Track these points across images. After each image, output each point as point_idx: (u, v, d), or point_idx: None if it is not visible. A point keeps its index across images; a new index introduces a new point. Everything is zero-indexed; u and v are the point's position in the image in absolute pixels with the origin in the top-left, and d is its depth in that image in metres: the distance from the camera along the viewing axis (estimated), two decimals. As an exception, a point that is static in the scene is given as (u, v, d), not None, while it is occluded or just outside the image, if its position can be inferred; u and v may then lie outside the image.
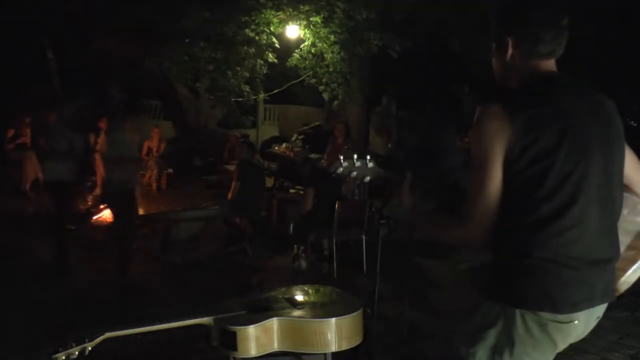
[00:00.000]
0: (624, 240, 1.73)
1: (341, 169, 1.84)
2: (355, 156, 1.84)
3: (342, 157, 1.84)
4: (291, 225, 6.05)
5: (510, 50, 1.68)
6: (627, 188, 1.74)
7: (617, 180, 1.65)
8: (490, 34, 1.76)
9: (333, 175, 1.88)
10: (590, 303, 1.59)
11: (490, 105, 1.59)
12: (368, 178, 1.87)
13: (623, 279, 1.75)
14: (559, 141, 1.54)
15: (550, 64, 1.68)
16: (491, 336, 1.61)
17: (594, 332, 1.71)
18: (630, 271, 1.74)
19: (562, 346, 1.64)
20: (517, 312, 1.56)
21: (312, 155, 10.59)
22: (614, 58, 9.68)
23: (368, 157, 1.86)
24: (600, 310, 1.64)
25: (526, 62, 1.67)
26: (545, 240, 1.53)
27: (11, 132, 9.30)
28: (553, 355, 1.68)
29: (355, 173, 1.85)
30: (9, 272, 5.16)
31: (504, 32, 1.69)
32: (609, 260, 1.63)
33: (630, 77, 9.87)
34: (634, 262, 1.75)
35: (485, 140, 1.57)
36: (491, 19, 1.76)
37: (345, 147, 7.68)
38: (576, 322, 1.58)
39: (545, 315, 1.55)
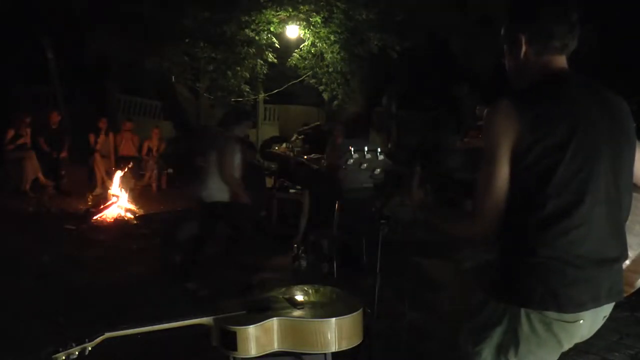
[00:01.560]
0: (634, 241, 1.71)
1: (351, 161, 1.84)
2: (366, 148, 1.84)
3: (352, 149, 1.84)
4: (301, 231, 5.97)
5: (523, 48, 1.68)
6: (637, 188, 1.72)
7: (626, 181, 1.65)
8: (501, 36, 1.76)
9: (344, 167, 1.87)
10: (597, 303, 1.58)
11: (500, 101, 1.60)
12: (378, 170, 1.87)
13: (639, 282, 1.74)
14: (567, 139, 1.53)
15: (562, 61, 1.69)
16: (496, 335, 1.61)
17: (594, 332, 1.71)
18: None
19: (567, 346, 1.64)
20: (522, 311, 1.56)
21: (313, 155, 10.59)
22: (614, 57, 9.68)
23: (378, 149, 1.86)
24: (606, 309, 1.64)
25: (539, 58, 1.67)
26: (552, 239, 1.53)
27: (11, 132, 9.30)
28: (558, 355, 1.68)
29: (365, 165, 1.86)
30: (9, 272, 5.16)
31: (517, 29, 1.69)
32: (616, 260, 1.62)
33: (630, 76, 9.86)
34: None
35: (494, 135, 1.58)
36: (503, 20, 1.76)
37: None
38: (581, 321, 1.57)
39: (551, 314, 1.55)
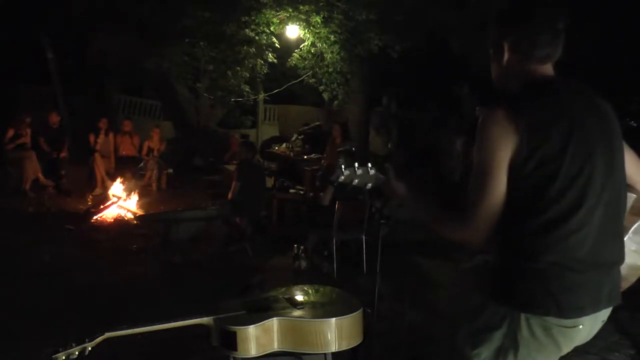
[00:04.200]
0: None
1: (342, 177, 1.83)
2: (357, 164, 1.82)
3: (343, 166, 1.82)
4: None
5: (506, 55, 1.68)
6: (629, 187, 1.73)
7: (621, 182, 1.65)
8: (487, 38, 1.77)
9: (335, 184, 1.86)
10: (596, 307, 1.59)
11: (494, 109, 1.58)
12: (370, 185, 1.86)
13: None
14: (564, 145, 1.53)
15: (547, 68, 1.68)
16: (496, 338, 1.61)
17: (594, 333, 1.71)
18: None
19: (566, 350, 1.64)
20: (522, 315, 1.56)
21: (313, 155, 10.59)
22: (614, 58, 9.68)
23: (369, 164, 1.84)
24: (605, 314, 1.64)
25: (523, 66, 1.67)
26: (552, 244, 1.52)
27: (11, 132, 9.29)
28: (557, 359, 1.68)
29: (357, 181, 1.84)
30: (9, 272, 5.16)
31: (500, 36, 1.69)
32: (615, 263, 1.63)
33: (631, 77, 9.86)
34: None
35: (489, 145, 1.56)
36: (488, 23, 1.76)
37: (338, 149, 7.69)
38: (581, 326, 1.58)
39: (551, 319, 1.55)
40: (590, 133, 1.58)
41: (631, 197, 1.75)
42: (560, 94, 1.63)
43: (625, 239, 1.71)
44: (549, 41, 1.64)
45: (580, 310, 1.55)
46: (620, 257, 1.65)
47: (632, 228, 1.74)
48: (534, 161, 1.52)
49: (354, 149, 7.36)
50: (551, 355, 1.64)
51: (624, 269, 1.71)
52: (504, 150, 1.54)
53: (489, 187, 1.56)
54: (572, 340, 1.62)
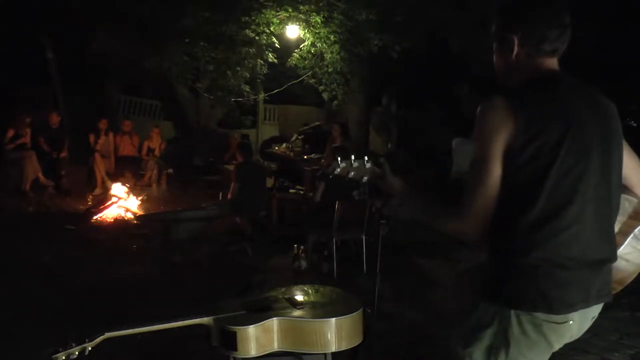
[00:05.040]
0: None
1: (338, 170, 1.82)
2: (353, 157, 1.82)
3: (339, 158, 1.81)
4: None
5: (516, 49, 1.67)
6: (626, 189, 1.73)
7: (616, 181, 1.65)
8: (491, 33, 1.76)
9: (330, 177, 1.85)
10: (586, 304, 1.58)
11: (494, 97, 1.58)
12: (366, 178, 1.85)
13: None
14: (560, 139, 1.53)
15: (553, 62, 1.69)
16: (487, 337, 1.61)
17: (594, 332, 1.71)
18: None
19: (557, 346, 1.64)
20: (512, 312, 1.56)
21: (313, 155, 10.59)
22: (614, 58, 9.68)
23: (366, 157, 1.83)
24: (595, 310, 1.64)
25: (530, 59, 1.67)
26: (542, 240, 1.52)
27: (11, 132, 9.29)
28: (548, 356, 1.67)
29: (353, 173, 1.83)
30: (9, 272, 5.16)
31: (510, 31, 1.68)
32: (606, 261, 1.63)
33: (631, 77, 9.87)
34: None
35: (487, 132, 1.56)
36: (493, 18, 1.76)
37: (333, 145, 7.68)
38: (571, 322, 1.57)
39: (541, 315, 1.54)
40: (588, 131, 1.58)
41: (632, 201, 1.74)
42: (562, 90, 1.63)
43: (630, 238, 1.71)
44: (557, 36, 1.65)
45: (571, 307, 1.55)
46: (612, 255, 1.65)
47: (637, 229, 1.73)
48: (528, 152, 1.52)
49: (346, 146, 7.37)
50: (542, 353, 1.64)
51: (631, 267, 1.71)
52: (500, 138, 1.53)
53: (486, 175, 1.55)
54: (562, 336, 1.61)
